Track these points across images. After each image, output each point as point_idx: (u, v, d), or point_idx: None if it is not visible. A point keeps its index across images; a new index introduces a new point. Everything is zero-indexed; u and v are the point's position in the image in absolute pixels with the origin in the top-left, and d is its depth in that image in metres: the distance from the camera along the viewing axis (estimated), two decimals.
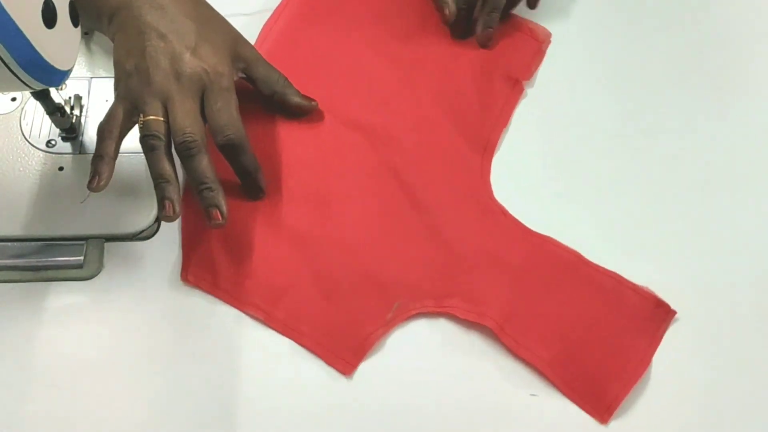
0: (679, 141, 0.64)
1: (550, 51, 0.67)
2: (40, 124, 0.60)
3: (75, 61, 0.52)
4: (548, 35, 0.67)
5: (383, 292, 0.56)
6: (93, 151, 0.59)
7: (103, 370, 0.54)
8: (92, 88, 0.62)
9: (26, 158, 0.59)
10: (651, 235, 0.60)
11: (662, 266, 0.58)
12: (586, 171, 0.62)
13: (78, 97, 0.61)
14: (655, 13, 0.70)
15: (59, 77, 0.50)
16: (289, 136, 0.62)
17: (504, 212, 0.59)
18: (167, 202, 0.53)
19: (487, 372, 0.55)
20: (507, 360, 0.55)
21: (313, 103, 0.62)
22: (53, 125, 0.59)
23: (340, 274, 0.57)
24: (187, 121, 0.54)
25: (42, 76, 0.48)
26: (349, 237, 0.58)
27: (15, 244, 0.57)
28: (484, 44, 0.66)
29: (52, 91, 0.57)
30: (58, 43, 0.49)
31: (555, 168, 0.62)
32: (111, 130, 0.54)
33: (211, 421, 0.53)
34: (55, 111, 0.56)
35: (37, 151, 0.60)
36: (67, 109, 0.59)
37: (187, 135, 0.54)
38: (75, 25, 0.52)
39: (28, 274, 0.57)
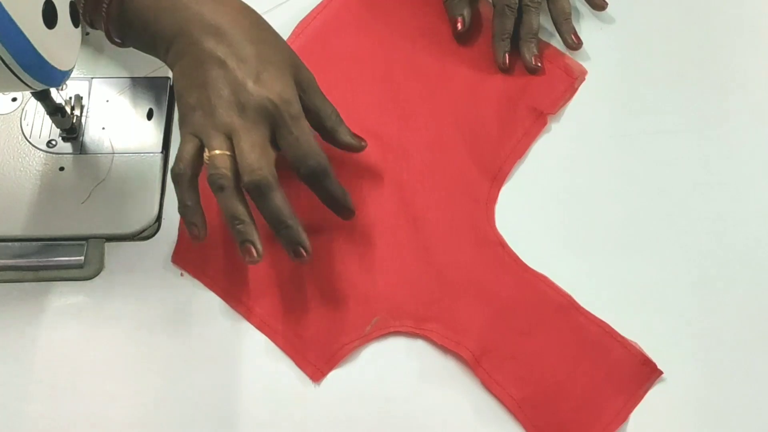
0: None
1: (584, 88, 0.65)
2: (40, 125, 0.60)
3: (75, 62, 0.52)
4: (583, 72, 0.65)
5: (364, 305, 0.56)
6: (93, 151, 0.60)
7: (103, 370, 0.54)
8: (93, 89, 0.62)
9: (27, 158, 0.59)
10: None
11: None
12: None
13: (78, 98, 0.61)
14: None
15: (59, 77, 0.50)
16: None
17: (502, 243, 0.58)
18: (249, 245, 0.51)
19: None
20: (479, 393, 0.54)
21: (363, 143, 0.58)
22: (54, 125, 0.59)
23: (324, 281, 0.57)
24: (254, 155, 0.51)
25: (42, 77, 0.48)
26: (340, 244, 0.58)
27: (15, 244, 0.57)
28: (536, 70, 0.64)
29: (53, 91, 0.57)
30: (59, 44, 0.49)
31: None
32: (184, 174, 0.52)
33: (211, 421, 0.53)
34: (55, 111, 0.56)
35: (38, 151, 0.60)
36: (68, 110, 0.59)
37: (255, 173, 0.50)
38: (75, 25, 0.52)
39: (29, 274, 0.57)
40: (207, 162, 0.52)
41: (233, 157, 0.51)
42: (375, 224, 0.59)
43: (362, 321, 0.56)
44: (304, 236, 0.52)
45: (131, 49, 0.62)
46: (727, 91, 0.66)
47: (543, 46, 0.66)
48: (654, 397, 0.54)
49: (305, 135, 0.53)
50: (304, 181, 0.54)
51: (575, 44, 0.65)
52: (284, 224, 0.52)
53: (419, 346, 0.56)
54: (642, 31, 0.68)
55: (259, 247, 0.51)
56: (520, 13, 0.65)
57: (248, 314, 0.56)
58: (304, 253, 0.52)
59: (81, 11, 0.54)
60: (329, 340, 0.55)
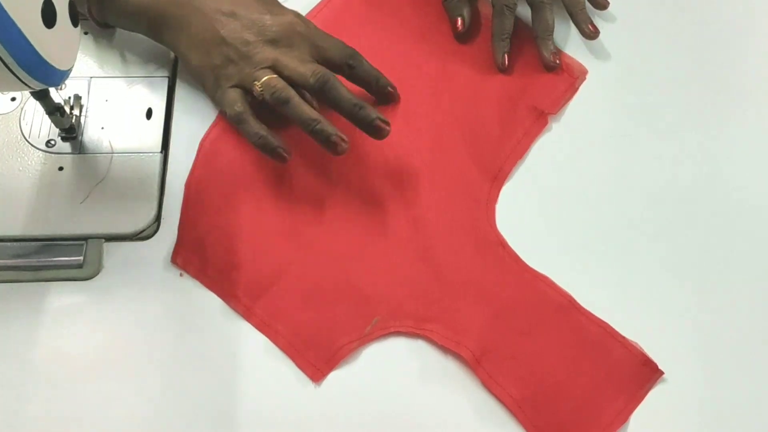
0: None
1: (585, 88, 0.65)
2: (39, 124, 0.60)
3: (74, 61, 0.52)
4: (584, 72, 0.65)
5: (365, 305, 0.56)
6: (92, 151, 0.60)
7: (103, 370, 0.54)
8: (92, 88, 0.62)
9: (26, 158, 0.59)
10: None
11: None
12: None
13: (77, 97, 0.61)
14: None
15: (59, 77, 0.50)
16: (300, 135, 0.61)
17: (503, 243, 0.58)
18: (336, 138, 0.55)
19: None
20: (480, 394, 0.54)
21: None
22: (53, 125, 0.59)
23: (324, 280, 0.57)
24: (307, 64, 0.56)
25: (42, 76, 0.48)
26: (341, 244, 0.58)
27: (15, 244, 0.57)
28: (554, 68, 0.64)
29: (52, 91, 0.57)
30: (58, 43, 0.49)
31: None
32: (244, 111, 0.56)
33: (210, 421, 0.53)
34: (54, 111, 0.56)
35: (37, 150, 0.60)
36: (67, 109, 0.59)
37: (317, 72, 0.55)
38: (75, 24, 0.52)
39: (28, 274, 0.57)
40: (261, 90, 0.55)
41: (284, 78, 0.55)
42: (375, 224, 0.59)
43: (362, 321, 0.56)
44: (378, 112, 0.56)
45: (131, 49, 0.62)
46: (728, 90, 0.66)
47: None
48: (655, 397, 0.54)
49: (332, 36, 0.59)
50: (350, 74, 0.59)
51: (592, 33, 0.66)
52: (360, 105, 0.56)
53: (419, 346, 0.56)
54: (643, 31, 0.68)
55: (345, 136, 0.55)
56: (534, 10, 0.65)
57: (248, 314, 0.56)
58: (385, 126, 0.56)
59: None
60: (329, 340, 0.55)
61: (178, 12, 0.57)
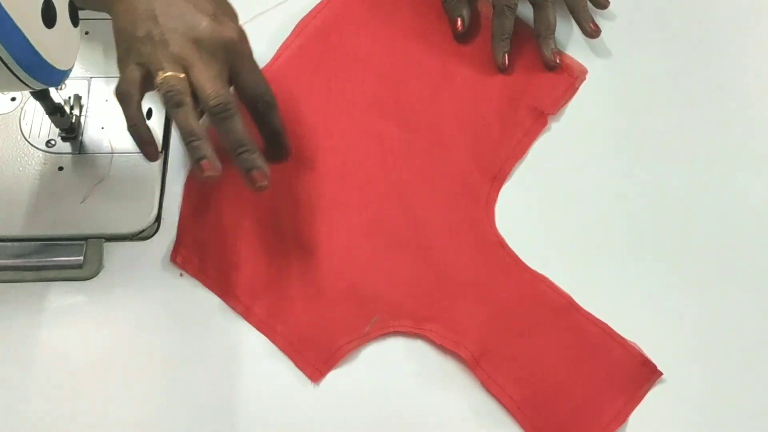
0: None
1: (585, 88, 0.64)
2: (39, 124, 0.60)
3: (74, 61, 0.52)
4: (584, 72, 0.65)
5: (364, 305, 0.56)
6: (93, 151, 0.60)
7: (103, 370, 0.54)
8: (92, 88, 0.62)
9: (26, 158, 0.59)
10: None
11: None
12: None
13: (78, 97, 0.61)
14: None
15: (59, 77, 0.50)
16: (300, 135, 0.61)
17: (502, 244, 0.58)
18: (206, 162, 0.51)
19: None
20: (478, 394, 0.54)
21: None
22: (53, 125, 0.59)
23: (324, 280, 0.57)
24: (218, 84, 0.52)
25: (42, 76, 0.48)
26: (340, 244, 0.58)
27: (15, 244, 0.57)
28: (555, 67, 0.64)
29: (52, 91, 0.57)
30: (58, 43, 0.49)
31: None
32: (132, 94, 0.52)
33: (210, 420, 0.53)
34: (54, 111, 0.56)
35: (37, 150, 0.60)
36: (67, 109, 0.59)
37: (221, 97, 0.52)
38: (75, 25, 0.52)
39: (28, 274, 0.57)
40: (160, 82, 0.51)
41: (189, 82, 0.52)
42: (374, 224, 0.59)
43: (361, 321, 0.56)
44: (264, 162, 0.53)
45: None
46: (728, 90, 0.66)
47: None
48: (654, 398, 0.54)
49: (261, 73, 0.56)
50: (256, 116, 0.56)
51: (594, 32, 0.65)
52: (246, 148, 0.52)
53: (418, 346, 0.56)
54: (642, 31, 0.68)
55: (217, 163, 0.51)
56: (536, 9, 0.64)
57: (247, 314, 0.56)
58: (263, 178, 0.52)
59: None
60: (328, 340, 0.55)
61: None
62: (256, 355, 0.55)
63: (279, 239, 0.58)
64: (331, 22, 0.66)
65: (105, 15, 0.64)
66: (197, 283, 0.57)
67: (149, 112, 0.62)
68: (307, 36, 0.66)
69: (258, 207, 0.59)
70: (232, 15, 0.57)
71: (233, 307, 0.56)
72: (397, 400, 0.54)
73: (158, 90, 0.52)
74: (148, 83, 0.53)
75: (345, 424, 0.53)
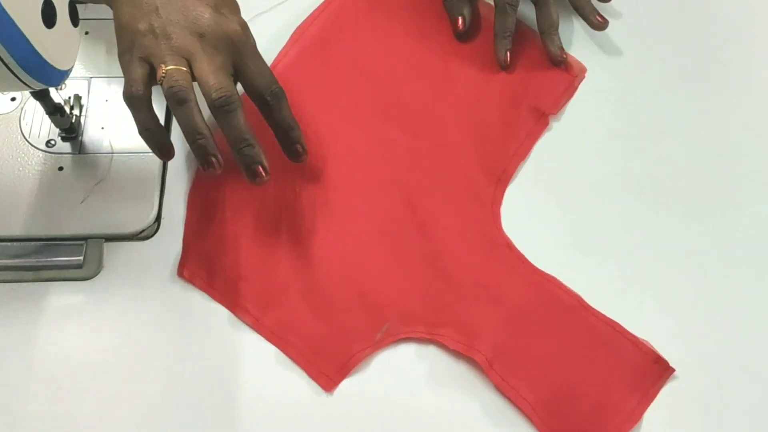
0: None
1: (585, 87, 0.64)
2: (39, 124, 0.60)
3: (75, 61, 0.52)
4: (583, 70, 0.65)
5: (375, 312, 0.56)
6: (93, 151, 0.60)
7: (103, 370, 0.54)
8: (92, 88, 0.62)
9: (26, 158, 0.59)
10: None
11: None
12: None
13: (78, 97, 0.61)
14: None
15: (59, 77, 0.50)
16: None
17: (510, 245, 0.58)
18: (212, 159, 0.52)
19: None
20: (492, 397, 0.54)
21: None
22: (53, 125, 0.59)
23: (333, 289, 0.57)
24: (219, 76, 0.52)
25: (42, 76, 0.48)
26: (349, 252, 0.58)
27: (15, 244, 0.57)
28: (562, 62, 0.64)
29: (52, 91, 0.57)
30: (58, 43, 0.49)
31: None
32: (142, 95, 0.52)
33: (210, 421, 0.53)
34: (54, 111, 0.56)
35: (37, 151, 0.60)
36: (67, 109, 0.59)
37: (223, 90, 0.51)
38: (75, 25, 0.52)
39: (28, 274, 0.57)
40: (162, 77, 0.51)
41: (191, 75, 0.52)
42: (382, 231, 0.59)
43: (373, 328, 0.55)
44: (264, 157, 0.53)
45: None
46: (728, 90, 0.66)
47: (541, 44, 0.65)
48: (666, 395, 0.54)
49: (266, 64, 0.55)
50: (265, 111, 0.55)
51: (601, 24, 0.65)
52: (247, 142, 0.52)
53: (431, 351, 0.55)
54: (642, 29, 0.68)
55: (220, 158, 0.52)
56: (537, 7, 0.64)
57: (257, 326, 0.56)
58: (263, 172, 0.53)
59: None
60: (340, 348, 0.55)
61: None
62: (252, 354, 0.55)
63: (286, 249, 0.58)
64: (330, 27, 0.66)
65: (105, 15, 0.64)
66: None
67: None
68: (305, 43, 0.65)
69: (264, 216, 0.59)
70: (235, 7, 0.56)
71: (243, 319, 0.56)
72: (412, 406, 0.54)
73: (161, 84, 0.51)
74: (152, 79, 0.53)
75: None
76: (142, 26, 0.52)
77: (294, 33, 0.66)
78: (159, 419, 0.53)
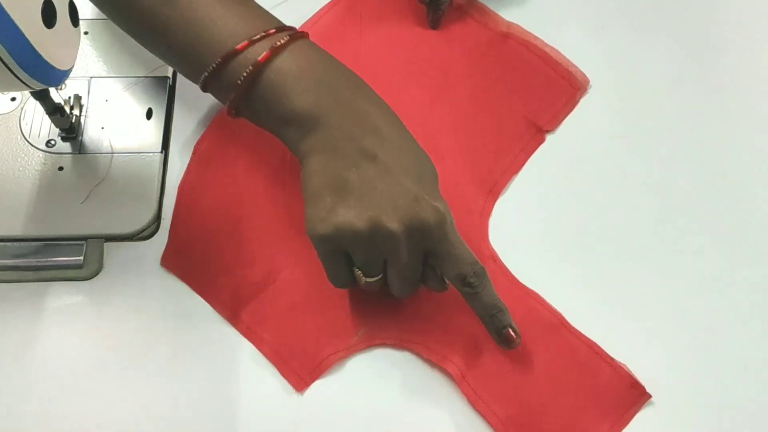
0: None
1: (583, 97, 0.63)
2: (39, 124, 0.60)
3: (75, 61, 0.52)
4: (586, 82, 0.63)
5: (351, 316, 0.55)
6: (93, 151, 0.60)
7: (103, 370, 0.54)
8: (92, 88, 0.62)
9: (26, 158, 0.59)
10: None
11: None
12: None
13: (78, 97, 0.61)
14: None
15: (59, 77, 0.50)
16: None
17: (495, 258, 0.57)
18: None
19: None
20: (464, 409, 0.53)
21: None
22: (53, 125, 0.59)
23: (312, 289, 0.56)
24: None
25: (42, 76, 0.48)
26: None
27: (15, 244, 0.57)
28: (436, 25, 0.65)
29: (52, 91, 0.57)
30: (58, 43, 0.49)
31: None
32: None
33: (210, 421, 0.53)
34: (54, 111, 0.56)
35: (37, 151, 0.60)
36: (67, 109, 0.59)
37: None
38: (75, 24, 0.52)
39: (28, 274, 0.57)
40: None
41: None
42: None
43: (348, 332, 0.55)
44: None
45: (131, 48, 0.62)
46: (727, 90, 0.65)
47: (548, 50, 0.64)
48: (642, 421, 0.53)
49: (464, 243, 0.51)
50: (467, 293, 0.52)
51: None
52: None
53: (405, 357, 0.55)
54: (643, 31, 0.68)
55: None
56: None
57: (234, 320, 0.55)
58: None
59: (203, 82, 0.52)
60: (314, 350, 0.54)
61: (334, 131, 0.50)
62: (251, 359, 0.55)
63: (269, 247, 0.58)
64: (328, 32, 0.65)
65: (105, 15, 0.64)
66: None
67: (149, 112, 0.62)
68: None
69: (249, 214, 0.58)
70: (435, 181, 0.52)
71: (220, 313, 0.56)
72: (383, 411, 0.53)
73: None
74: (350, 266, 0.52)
75: None
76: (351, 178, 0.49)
77: (301, 27, 0.65)
78: (158, 419, 0.53)
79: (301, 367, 0.54)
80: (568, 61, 0.65)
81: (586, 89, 0.64)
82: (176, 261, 0.57)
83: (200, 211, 0.58)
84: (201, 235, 0.58)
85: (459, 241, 0.50)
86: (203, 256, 0.57)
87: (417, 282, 0.52)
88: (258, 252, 0.57)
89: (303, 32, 0.54)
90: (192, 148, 0.61)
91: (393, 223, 0.48)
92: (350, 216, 0.48)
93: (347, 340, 0.55)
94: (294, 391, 0.54)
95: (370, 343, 0.55)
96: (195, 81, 0.54)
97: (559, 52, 0.65)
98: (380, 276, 0.51)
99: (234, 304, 0.56)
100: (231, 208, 0.59)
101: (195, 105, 0.63)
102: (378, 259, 0.50)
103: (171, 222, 0.58)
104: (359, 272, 0.51)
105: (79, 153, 0.60)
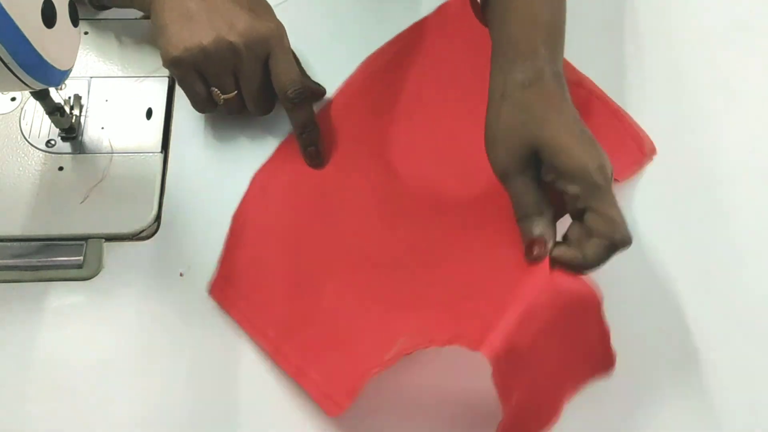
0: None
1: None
2: (39, 124, 0.60)
3: (75, 61, 0.52)
4: (653, 151, 0.61)
5: (390, 334, 0.53)
6: (93, 151, 0.60)
7: (103, 370, 0.54)
8: (92, 88, 0.62)
9: (26, 158, 0.59)
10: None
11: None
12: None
13: (77, 97, 0.61)
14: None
15: (59, 77, 0.50)
16: (340, 176, 0.60)
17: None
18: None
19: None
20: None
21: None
22: (53, 125, 0.59)
23: (347, 318, 0.55)
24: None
25: (42, 76, 0.48)
26: (382, 289, 0.56)
27: (15, 244, 0.57)
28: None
29: (52, 90, 0.57)
30: (58, 43, 0.49)
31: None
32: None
33: (209, 421, 0.53)
34: (54, 111, 0.56)
35: (37, 150, 0.60)
36: (67, 109, 0.59)
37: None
38: (75, 25, 0.52)
39: (28, 274, 0.57)
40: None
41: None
42: (399, 261, 0.57)
43: (384, 349, 0.52)
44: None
45: (131, 48, 0.62)
46: (727, 90, 0.66)
47: (615, 110, 0.62)
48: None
49: (295, 65, 0.59)
50: (288, 107, 0.59)
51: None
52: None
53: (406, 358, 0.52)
54: (642, 31, 0.68)
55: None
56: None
57: (276, 353, 0.54)
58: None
59: None
60: (351, 373, 0.51)
61: None
62: (251, 358, 0.55)
63: (317, 282, 0.57)
64: (400, 60, 0.65)
65: (104, 15, 0.64)
66: (196, 283, 0.57)
67: (149, 112, 0.62)
68: (374, 69, 0.65)
69: (301, 248, 0.58)
70: (269, 8, 0.60)
71: (262, 346, 0.55)
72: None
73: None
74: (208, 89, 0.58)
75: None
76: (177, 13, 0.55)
77: (367, 59, 0.65)
78: (158, 419, 0.53)
79: (337, 393, 0.51)
80: (637, 124, 0.62)
81: (652, 158, 0.62)
82: (225, 291, 0.56)
83: (252, 241, 0.58)
84: (250, 265, 0.57)
85: (289, 61, 0.58)
86: (250, 288, 0.56)
87: (263, 95, 0.59)
88: (303, 286, 0.56)
89: None
90: (192, 147, 0.61)
91: (233, 37, 0.55)
92: (196, 38, 0.55)
93: (382, 356, 0.51)
94: (294, 390, 0.54)
95: (406, 352, 0.51)
96: None
97: (628, 114, 0.63)
98: (234, 92, 0.58)
99: (278, 338, 0.55)
100: (284, 241, 0.58)
101: None
102: (226, 73, 0.57)
103: (222, 251, 0.58)
104: (216, 91, 0.58)
105: (79, 153, 0.60)
